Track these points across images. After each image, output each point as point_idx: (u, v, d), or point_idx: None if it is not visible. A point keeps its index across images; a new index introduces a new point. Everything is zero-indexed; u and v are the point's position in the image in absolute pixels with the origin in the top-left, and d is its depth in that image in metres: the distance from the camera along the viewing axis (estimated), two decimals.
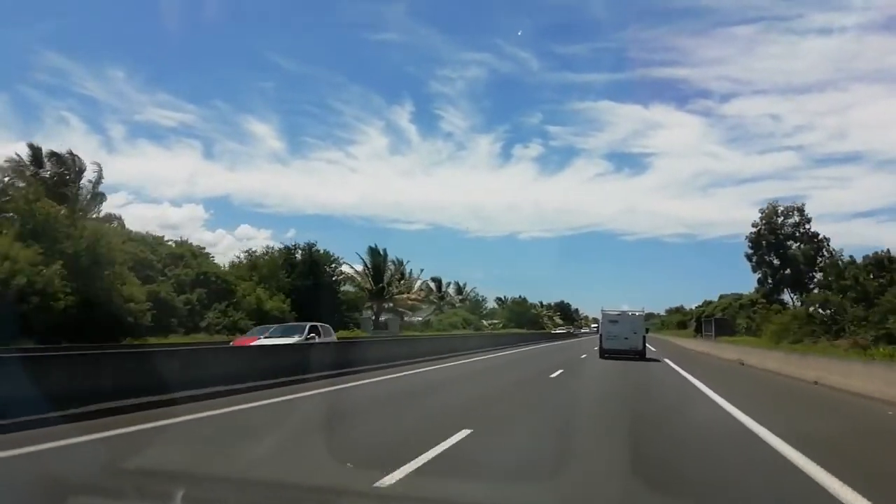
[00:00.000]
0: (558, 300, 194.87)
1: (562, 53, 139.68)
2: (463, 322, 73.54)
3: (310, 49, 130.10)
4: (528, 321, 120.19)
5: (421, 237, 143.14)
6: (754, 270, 64.37)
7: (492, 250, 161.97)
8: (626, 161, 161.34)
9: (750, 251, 64.23)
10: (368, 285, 62.07)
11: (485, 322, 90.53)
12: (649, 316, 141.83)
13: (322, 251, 53.55)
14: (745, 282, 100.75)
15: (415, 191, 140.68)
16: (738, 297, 68.67)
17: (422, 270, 72.80)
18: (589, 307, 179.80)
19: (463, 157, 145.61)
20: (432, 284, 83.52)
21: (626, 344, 28.50)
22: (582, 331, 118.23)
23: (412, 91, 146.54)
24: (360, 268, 61.76)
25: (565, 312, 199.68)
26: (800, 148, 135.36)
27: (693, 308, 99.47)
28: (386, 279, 64.66)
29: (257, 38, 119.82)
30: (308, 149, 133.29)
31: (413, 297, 64.61)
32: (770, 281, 63.07)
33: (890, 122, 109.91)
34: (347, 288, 59.98)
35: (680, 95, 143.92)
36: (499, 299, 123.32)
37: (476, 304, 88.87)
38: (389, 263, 65.20)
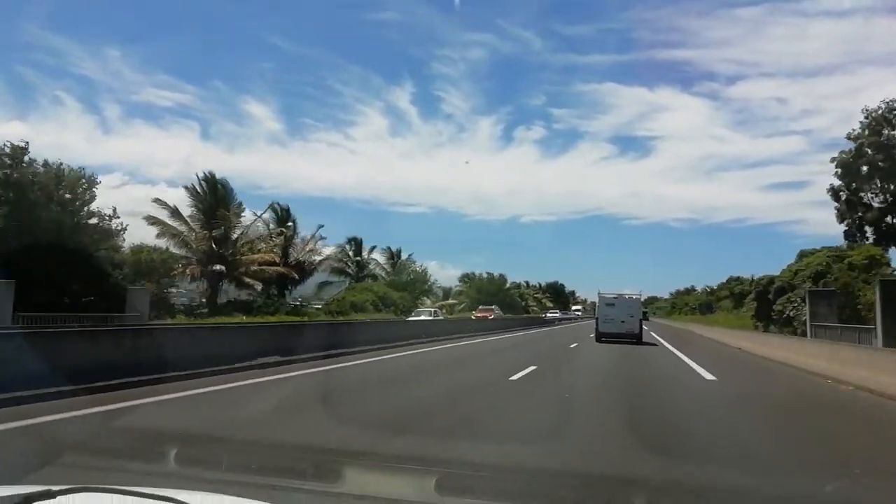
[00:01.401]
0: (551, 280, 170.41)
1: (565, 34, 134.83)
2: (376, 300, 49.46)
3: (309, 29, 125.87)
4: (504, 303, 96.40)
5: (421, 220, 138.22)
6: (843, 218, 39.86)
7: (493, 234, 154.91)
8: (631, 144, 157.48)
9: (840, 185, 39.36)
10: (194, 239, 38.12)
11: (429, 301, 66.45)
12: (653, 299, 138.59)
13: (53, 165, 29.55)
14: (758, 265, 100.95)
15: (415, 173, 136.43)
16: (839, 251, 36.50)
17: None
18: (591, 292, 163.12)
19: (464, 140, 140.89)
20: (349, 248, 59.38)
21: (622, 327, 28.04)
22: (574, 312, 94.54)
23: (412, 72, 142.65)
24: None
25: (558, 294, 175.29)
26: (807, 132, 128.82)
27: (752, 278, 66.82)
28: (241, 236, 40.84)
29: (255, 19, 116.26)
30: (307, 130, 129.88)
31: (267, 258, 40.25)
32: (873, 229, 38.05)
33: None
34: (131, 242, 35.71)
35: (685, 77, 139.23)
36: (465, 276, 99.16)
37: (415, 279, 64.56)
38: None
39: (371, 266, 60.31)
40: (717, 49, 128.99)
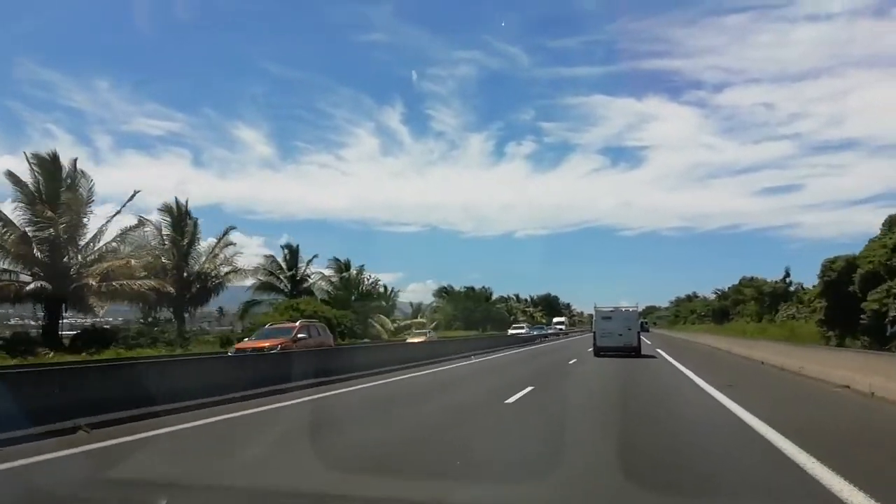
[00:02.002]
0: (543, 293, 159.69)
1: (552, 47, 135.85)
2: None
3: (298, 53, 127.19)
4: (488, 319, 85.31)
5: (415, 239, 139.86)
6: None
7: (487, 250, 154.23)
8: (622, 155, 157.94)
9: None
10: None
11: (388, 321, 55.09)
12: (651, 309, 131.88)
13: None
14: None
15: (408, 192, 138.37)
16: None
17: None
18: (588, 305, 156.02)
19: (455, 157, 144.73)
20: (283, 258, 48.00)
21: (620, 341, 26.97)
22: (555, 326, 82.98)
23: (402, 91, 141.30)
24: None
25: (551, 307, 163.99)
26: (795, 136, 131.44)
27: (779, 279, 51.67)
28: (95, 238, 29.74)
29: (245, 45, 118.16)
30: (299, 153, 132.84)
31: (122, 266, 28.93)
32: None
33: (886, 108, 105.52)
34: None
35: (673, 87, 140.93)
36: (443, 290, 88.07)
37: (368, 295, 53.09)
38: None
39: (313, 279, 49.11)
40: (703, 57, 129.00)
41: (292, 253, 47.63)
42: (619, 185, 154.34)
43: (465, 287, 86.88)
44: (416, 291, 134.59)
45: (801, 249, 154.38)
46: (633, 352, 26.42)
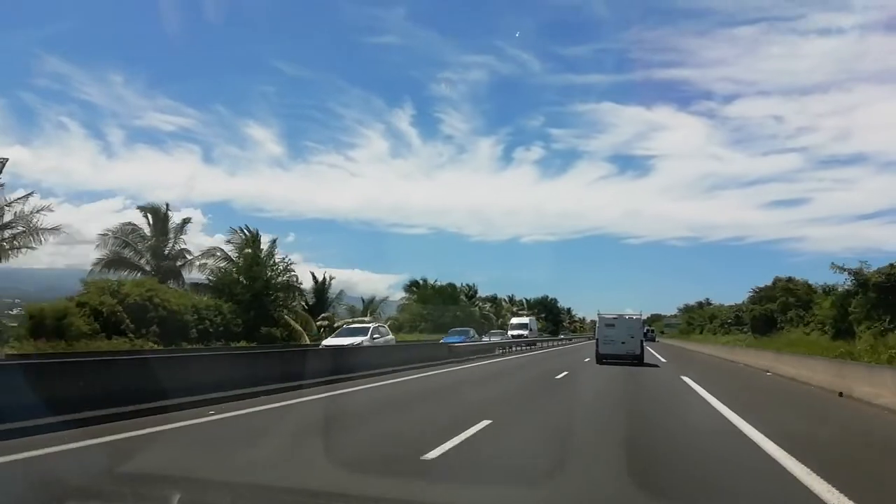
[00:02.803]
0: (541, 295, 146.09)
1: (563, 55, 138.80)
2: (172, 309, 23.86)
3: (310, 53, 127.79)
4: (461, 320, 70.87)
5: (422, 242, 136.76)
6: None
7: (494, 255, 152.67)
8: (629, 163, 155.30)
9: None
10: None
11: (311, 320, 40.64)
12: (657, 317, 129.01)
13: None
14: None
15: (416, 194, 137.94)
16: None
17: None
18: (592, 312, 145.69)
19: (464, 161, 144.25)
20: (148, 220, 33.66)
21: (623, 349, 26.92)
22: (514, 331, 68.88)
23: (413, 94, 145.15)
24: None
25: (550, 311, 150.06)
26: (803, 149, 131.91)
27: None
28: None
29: (258, 43, 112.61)
30: (309, 153, 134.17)
31: None
32: None
33: (894, 123, 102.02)
34: None
35: (683, 97, 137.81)
36: (414, 283, 73.59)
37: (275, 277, 38.45)
38: None
39: (195, 256, 34.94)
40: (713, 68, 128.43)
41: (158, 218, 33.35)
42: (627, 193, 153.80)
43: (444, 283, 71.97)
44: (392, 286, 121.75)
45: (805, 263, 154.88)
46: (636, 360, 26.43)
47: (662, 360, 31.99)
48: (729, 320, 50.84)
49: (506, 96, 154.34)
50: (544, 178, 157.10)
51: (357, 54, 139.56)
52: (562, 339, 78.74)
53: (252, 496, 5.17)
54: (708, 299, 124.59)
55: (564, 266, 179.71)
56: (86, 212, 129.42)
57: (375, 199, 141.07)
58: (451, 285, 71.09)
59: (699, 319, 71.46)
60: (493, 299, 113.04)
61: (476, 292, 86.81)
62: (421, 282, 70.24)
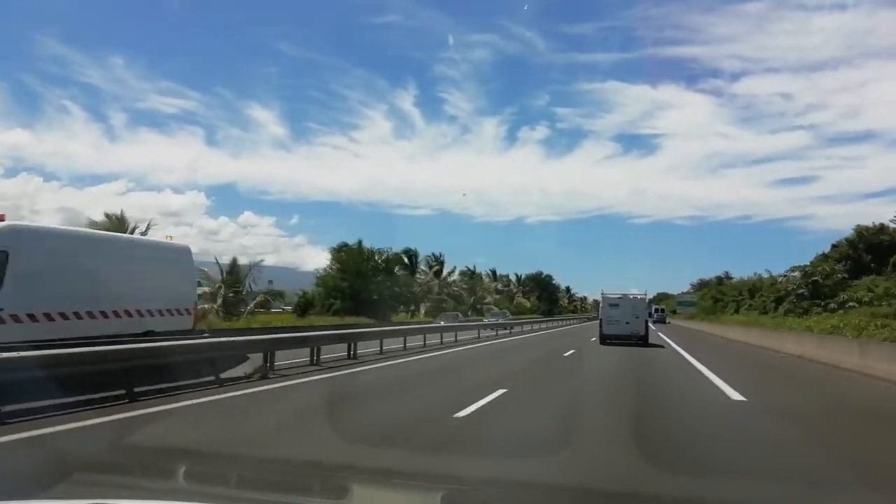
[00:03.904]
0: (535, 271, 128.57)
1: (568, 33, 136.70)
2: None
3: (312, 34, 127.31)
4: (387, 299, 51.83)
5: (427, 223, 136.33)
6: None
7: (499, 235, 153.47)
8: (635, 142, 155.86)
9: None
10: None
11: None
12: (664, 296, 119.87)
13: None
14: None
15: (420, 175, 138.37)
16: None
17: None
18: (597, 292, 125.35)
19: (468, 141, 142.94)
20: None
21: (627, 329, 26.35)
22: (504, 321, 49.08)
23: (416, 74, 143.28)
24: None
25: (544, 289, 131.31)
26: (812, 127, 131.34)
27: None
28: None
29: (259, 24, 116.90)
30: (312, 134, 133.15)
31: None
32: None
33: None
34: None
35: (689, 75, 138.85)
36: (342, 247, 54.02)
37: None
38: None
39: None
40: (721, 45, 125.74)
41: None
42: (633, 172, 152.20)
43: (384, 249, 52.41)
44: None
45: (813, 242, 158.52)
46: (641, 340, 26.09)
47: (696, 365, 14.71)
48: (801, 291, 31.80)
49: (510, 75, 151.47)
50: (549, 158, 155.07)
51: (359, 34, 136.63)
52: (543, 322, 59.59)
53: None
54: (728, 272, 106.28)
55: (570, 246, 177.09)
56: (89, 195, 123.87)
57: (379, 180, 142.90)
58: (380, 251, 51.63)
59: (731, 294, 52.23)
60: (471, 274, 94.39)
61: (416, 258, 67.30)
62: (351, 246, 51.03)
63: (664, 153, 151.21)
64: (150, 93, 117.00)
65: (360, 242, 51.97)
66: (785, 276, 35.78)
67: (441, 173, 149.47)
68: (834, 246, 36.05)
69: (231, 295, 35.18)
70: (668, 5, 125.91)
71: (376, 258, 50.53)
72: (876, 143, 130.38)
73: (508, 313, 69.38)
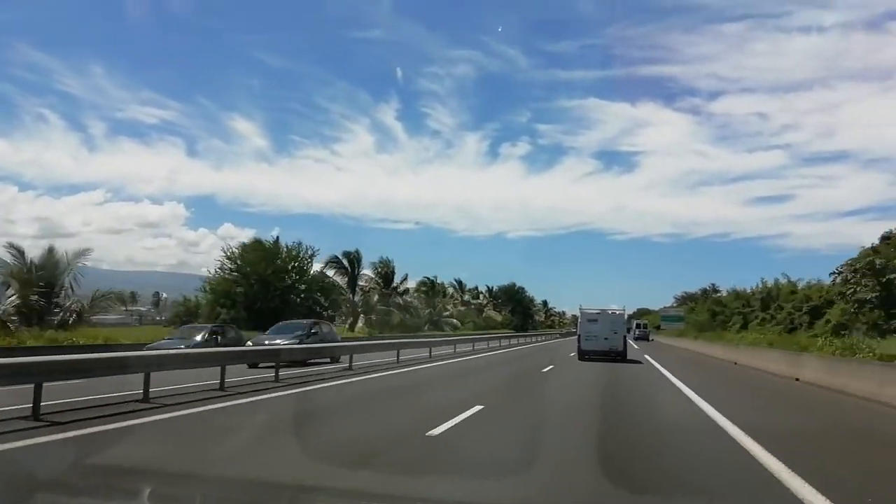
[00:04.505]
0: (508, 283, 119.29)
1: (549, 51, 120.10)
2: None
3: (295, 46, 75.91)
4: (314, 310, 41.02)
5: (408, 237, 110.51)
6: None
7: (479, 250, 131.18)
8: (615, 159, 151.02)
9: None
10: None
11: None
12: (643, 312, 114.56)
13: None
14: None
15: (402, 189, 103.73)
16: None
17: None
18: (574, 306, 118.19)
19: (450, 156, 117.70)
20: None
21: (605, 344, 25.98)
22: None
23: (399, 89, 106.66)
24: None
25: (517, 303, 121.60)
26: (787, 146, 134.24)
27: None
28: None
29: (242, 35, 72.66)
30: (294, 147, 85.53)
31: None
32: None
33: (877, 121, 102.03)
34: None
35: (668, 93, 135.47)
36: (255, 241, 42.80)
37: None
38: None
39: None
40: (698, 65, 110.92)
41: None
42: (612, 189, 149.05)
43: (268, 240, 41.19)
44: None
45: (789, 259, 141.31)
46: (619, 356, 25.66)
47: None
48: (870, 296, 21.73)
49: (492, 92, 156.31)
50: (531, 174, 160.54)
51: (343, 48, 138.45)
52: (507, 338, 49.35)
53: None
54: (714, 284, 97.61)
55: (550, 261, 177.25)
56: (66, 204, 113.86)
57: (361, 193, 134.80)
58: (298, 249, 40.57)
59: (734, 307, 41.95)
60: (431, 284, 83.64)
61: (358, 263, 56.65)
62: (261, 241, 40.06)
63: (643, 170, 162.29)
64: (131, 102, 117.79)
65: (276, 240, 41.21)
66: (840, 272, 25.39)
67: (423, 188, 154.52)
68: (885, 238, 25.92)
69: (34, 298, 24.18)
70: (647, 25, 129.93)
71: (290, 259, 39.63)
72: (850, 162, 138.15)
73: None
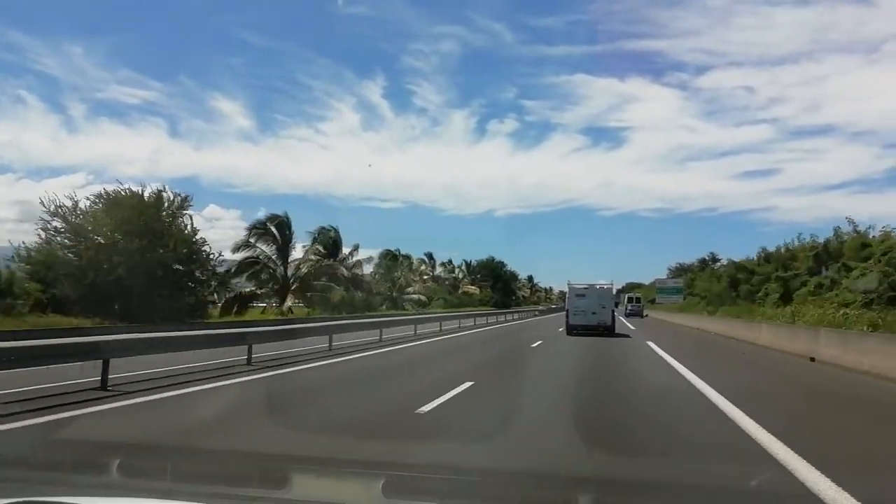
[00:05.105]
0: (486, 257, 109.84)
1: (535, 26, 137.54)
2: None
3: (277, 23, 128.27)
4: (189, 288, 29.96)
5: (396, 216, 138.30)
6: None
7: (468, 228, 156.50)
8: (603, 135, 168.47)
9: None
10: None
11: None
12: (633, 287, 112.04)
13: None
14: (730, 252, 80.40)
15: (389, 168, 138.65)
16: None
17: None
18: (562, 282, 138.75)
19: (437, 133, 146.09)
20: None
21: (594, 319, 25.95)
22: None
23: (384, 66, 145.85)
24: None
25: (497, 279, 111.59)
26: (774, 120, 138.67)
27: None
28: None
29: (222, 12, 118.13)
30: (278, 126, 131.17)
31: None
32: None
33: (863, 94, 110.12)
34: None
35: (655, 68, 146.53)
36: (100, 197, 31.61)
37: None
38: None
39: None
40: (685, 39, 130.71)
41: None
42: (600, 165, 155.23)
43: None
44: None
45: (775, 233, 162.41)
46: (607, 330, 25.61)
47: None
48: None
49: (478, 68, 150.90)
50: (518, 151, 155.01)
51: (326, 24, 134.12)
52: (478, 317, 39.65)
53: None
54: (713, 254, 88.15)
55: (538, 238, 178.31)
56: (46, 187, 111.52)
57: (347, 172, 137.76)
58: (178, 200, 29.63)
59: (764, 271, 31.18)
60: (393, 257, 72.68)
61: (288, 228, 45.90)
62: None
63: (631, 146, 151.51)
64: (111, 83, 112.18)
65: (159, 192, 29.95)
66: None
67: (410, 166, 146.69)
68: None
69: None
70: None
71: (166, 213, 28.50)
72: (836, 136, 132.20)
73: None
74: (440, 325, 29.11)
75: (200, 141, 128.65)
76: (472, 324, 37.27)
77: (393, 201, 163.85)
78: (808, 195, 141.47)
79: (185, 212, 30.37)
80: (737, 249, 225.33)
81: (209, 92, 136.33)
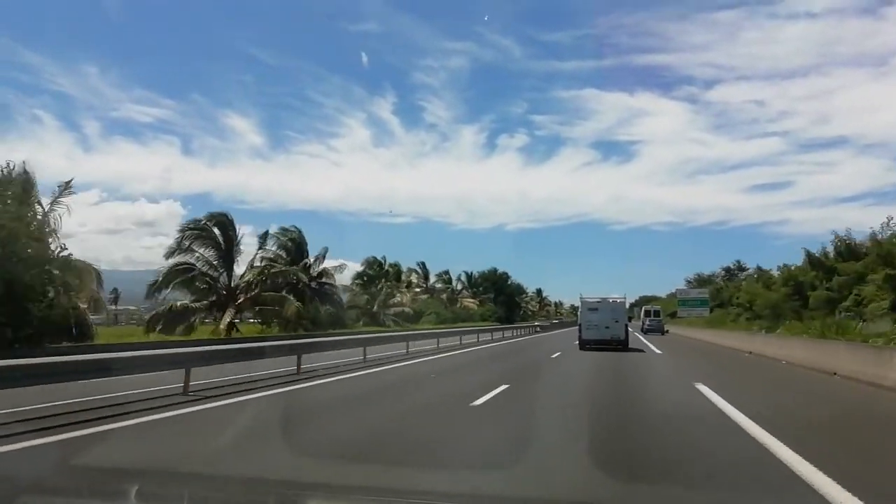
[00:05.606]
0: (489, 268, 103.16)
1: (544, 40, 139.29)
2: None
3: (289, 41, 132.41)
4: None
5: (407, 231, 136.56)
6: None
7: (479, 242, 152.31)
8: (613, 149, 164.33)
9: None
10: None
11: None
12: (649, 300, 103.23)
13: None
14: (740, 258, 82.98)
15: (400, 183, 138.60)
16: None
17: None
18: (574, 296, 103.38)
19: (448, 149, 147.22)
20: None
21: (607, 333, 25.70)
22: None
23: (394, 82, 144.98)
24: None
25: (499, 292, 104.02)
26: (785, 133, 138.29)
27: None
28: None
29: (234, 30, 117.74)
30: (290, 142, 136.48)
31: None
32: None
33: (873, 106, 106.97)
34: None
35: (664, 82, 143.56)
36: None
37: None
38: None
39: None
40: (694, 53, 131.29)
41: None
42: (611, 179, 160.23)
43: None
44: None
45: (787, 246, 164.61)
46: (620, 345, 25.40)
47: None
48: None
49: (488, 83, 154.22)
50: (529, 165, 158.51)
51: (336, 42, 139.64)
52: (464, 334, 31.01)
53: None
54: (739, 261, 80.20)
55: (550, 252, 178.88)
56: (61, 205, 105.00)
57: (359, 188, 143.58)
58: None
59: (850, 271, 22.35)
60: (379, 266, 63.92)
61: (232, 228, 37.57)
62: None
63: (641, 160, 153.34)
64: (125, 101, 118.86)
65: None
66: None
67: (421, 181, 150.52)
68: None
69: None
70: (641, 13, 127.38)
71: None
72: (847, 148, 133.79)
73: None
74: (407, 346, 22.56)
75: (213, 158, 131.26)
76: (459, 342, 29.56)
77: (404, 216, 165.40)
78: (821, 207, 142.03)
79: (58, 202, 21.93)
80: (750, 263, 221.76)
81: (221, 109, 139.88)
